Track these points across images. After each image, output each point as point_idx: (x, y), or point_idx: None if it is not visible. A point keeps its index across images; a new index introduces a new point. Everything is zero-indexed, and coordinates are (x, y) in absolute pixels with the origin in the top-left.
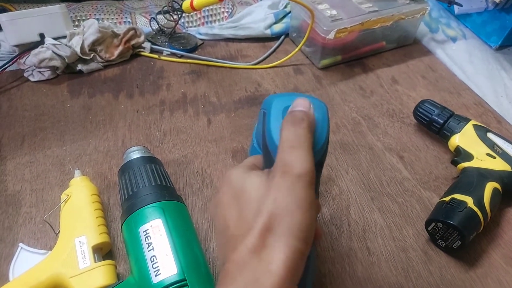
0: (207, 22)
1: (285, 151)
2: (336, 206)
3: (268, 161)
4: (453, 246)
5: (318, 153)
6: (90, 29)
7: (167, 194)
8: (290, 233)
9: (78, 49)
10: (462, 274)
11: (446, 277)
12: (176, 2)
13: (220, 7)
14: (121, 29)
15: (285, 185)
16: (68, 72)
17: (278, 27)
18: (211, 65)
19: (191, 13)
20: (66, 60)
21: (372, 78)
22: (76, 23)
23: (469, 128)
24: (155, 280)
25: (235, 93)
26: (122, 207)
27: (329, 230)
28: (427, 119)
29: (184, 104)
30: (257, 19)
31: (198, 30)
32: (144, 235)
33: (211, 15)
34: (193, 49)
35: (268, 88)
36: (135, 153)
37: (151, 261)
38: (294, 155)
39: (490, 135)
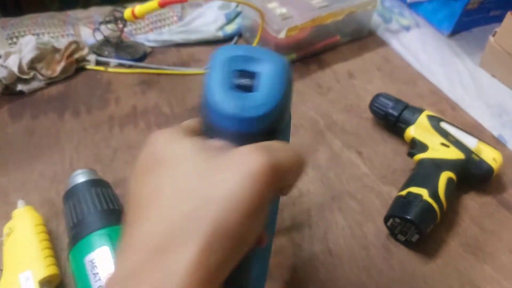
0: (156, 28)
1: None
2: (297, 210)
3: (208, 130)
4: (411, 239)
5: (268, 116)
6: (27, 47)
7: (115, 218)
8: (215, 231)
9: (15, 69)
10: (422, 266)
11: (407, 271)
12: (118, 11)
13: (168, 11)
14: (62, 43)
15: (240, 173)
16: (8, 93)
17: (230, 28)
18: (162, 73)
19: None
20: (4, 81)
21: (328, 74)
22: (14, 39)
23: (422, 119)
24: None
25: (189, 101)
26: (68, 236)
27: (290, 236)
28: (383, 113)
29: (135, 118)
30: (207, 21)
31: (147, 37)
32: (91, 265)
33: (159, 20)
34: (142, 58)
35: None
36: (79, 177)
37: None
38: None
39: (443, 125)
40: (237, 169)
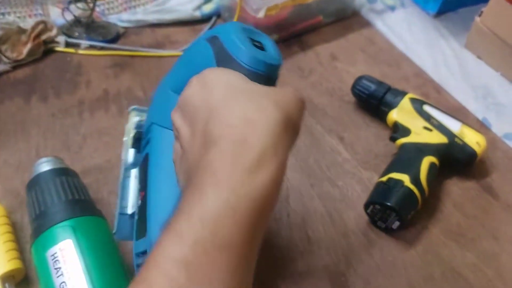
0: (129, 7)
1: None
2: None
3: None
4: (392, 226)
5: (279, 67)
6: None
7: (80, 209)
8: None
9: None
10: (402, 253)
11: (387, 259)
12: None
13: None
14: (29, 23)
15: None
16: None
17: (208, 8)
18: (136, 55)
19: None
20: None
21: (310, 56)
22: None
23: (405, 102)
24: None
25: None
26: (30, 229)
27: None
28: (365, 96)
29: (106, 102)
30: (183, 0)
31: (120, 17)
32: (53, 260)
33: None
34: (114, 39)
35: None
36: (43, 166)
37: None
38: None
39: (426, 108)
40: (287, 92)
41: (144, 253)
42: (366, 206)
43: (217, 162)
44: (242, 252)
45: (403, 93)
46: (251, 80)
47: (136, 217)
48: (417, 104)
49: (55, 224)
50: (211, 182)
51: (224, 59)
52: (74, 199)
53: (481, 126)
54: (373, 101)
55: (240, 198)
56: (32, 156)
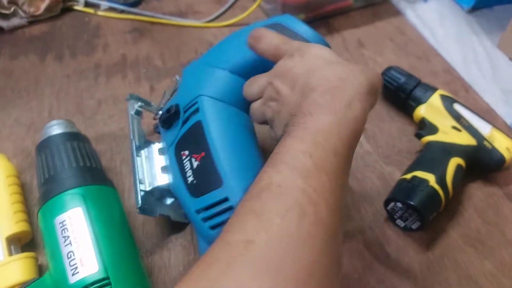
0: None
1: None
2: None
3: None
4: (411, 226)
5: None
6: None
7: (91, 177)
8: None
9: None
10: (419, 255)
11: (403, 260)
12: None
13: None
14: None
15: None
16: None
17: None
18: (157, 22)
19: None
20: None
21: (337, 41)
22: None
23: (435, 98)
24: (72, 279)
25: (184, 55)
26: (39, 192)
27: None
28: (393, 88)
29: (124, 68)
30: None
31: None
32: (61, 227)
33: None
34: (136, 3)
35: None
36: (54, 128)
37: (68, 258)
38: None
39: (456, 106)
40: (369, 67)
41: (220, 202)
42: (387, 203)
43: (319, 99)
44: (343, 161)
45: (433, 89)
46: None
47: (190, 179)
48: (448, 102)
49: (65, 191)
50: (317, 110)
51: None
52: (86, 166)
53: (508, 131)
54: (401, 94)
55: (341, 121)
56: (45, 117)
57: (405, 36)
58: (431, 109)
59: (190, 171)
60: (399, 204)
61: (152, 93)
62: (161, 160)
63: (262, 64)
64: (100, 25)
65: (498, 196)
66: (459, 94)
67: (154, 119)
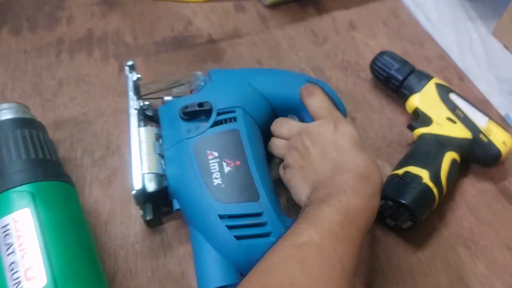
0: None
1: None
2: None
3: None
4: (402, 226)
5: None
6: None
7: (43, 171)
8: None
9: None
10: (409, 256)
11: (392, 261)
12: None
13: None
14: None
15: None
16: None
17: None
18: None
19: None
20: None
21: (326, 22)
22: None
23: (430, 87)
24: None
25: (158, 32)
26: None
27: None
28: (385, 75)
29: (89, 45)
30: None
31: None
32: (3, 233)
33: None
34: None
35: (201, 28)
36: (3, 113)
37: (10, 270)
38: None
39: (452, 96)
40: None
41: (254, 215)
42: None
43: (352, 182)
44: (361, 237)
45: (428, 77)
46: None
47: (217, 182)
48: (443, 91)
49: (11, 188)
50: (350, 191)
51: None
52: (38, 158)
53: (503, 123)
54: (394, 82)
55: (366, 207)
56: None
57: (398, 19)
58: (425, 98)
59: (217, 173)
60: (390, 203)
61: (121, 73)
62: (156, 146)
63: (294, 109)
64: None
65: (491, 192)
66: (453, 83)
67: (143, 99)
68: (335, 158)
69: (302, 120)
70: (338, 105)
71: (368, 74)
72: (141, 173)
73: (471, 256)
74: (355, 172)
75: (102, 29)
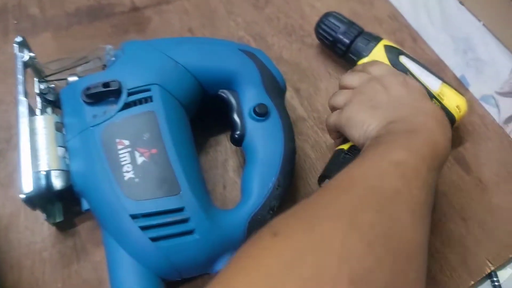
0: None
1: None
2: (210, 163)
3: None
4: None
5: None
6: None
7: None
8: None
9: None
10: None
11: None
12: None
13: None
14: None
15: None
16: None
17: None
18: None
19: None
20: None
21: None
22: None
23: (379, 50)
24: None
25: (70, 2)
26: None
27: None
28: (331, 39)
29: None
30: None
31: None
32: None
33: None
34: None
35: None
36: None
37: None
38: None
39: (403, 59)
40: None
41: (173, 211)
42: (321, 180)
43: (434, 123)
44: (434, 179)
45: (377, 39)
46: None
47: (129, 176)
48: (393, 54)
49: None
50: (435, 131)
51: (266, 75)
52: None
53: (458, 85)
54: (340, 46)
55: (447, 149)
56: None
57: None
58: None
59: (129, 165)
60: None
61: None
62: (57, 137)
63: (226, 84)
64: None
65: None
66: (405, 44)
67: (46, 80)
68: (411, 102)
69: (237, 97)
70: (275, 76)
71: (314, 39)
72: (35, 171)
73: None
74: (435, 117)
75: (0, 0)
